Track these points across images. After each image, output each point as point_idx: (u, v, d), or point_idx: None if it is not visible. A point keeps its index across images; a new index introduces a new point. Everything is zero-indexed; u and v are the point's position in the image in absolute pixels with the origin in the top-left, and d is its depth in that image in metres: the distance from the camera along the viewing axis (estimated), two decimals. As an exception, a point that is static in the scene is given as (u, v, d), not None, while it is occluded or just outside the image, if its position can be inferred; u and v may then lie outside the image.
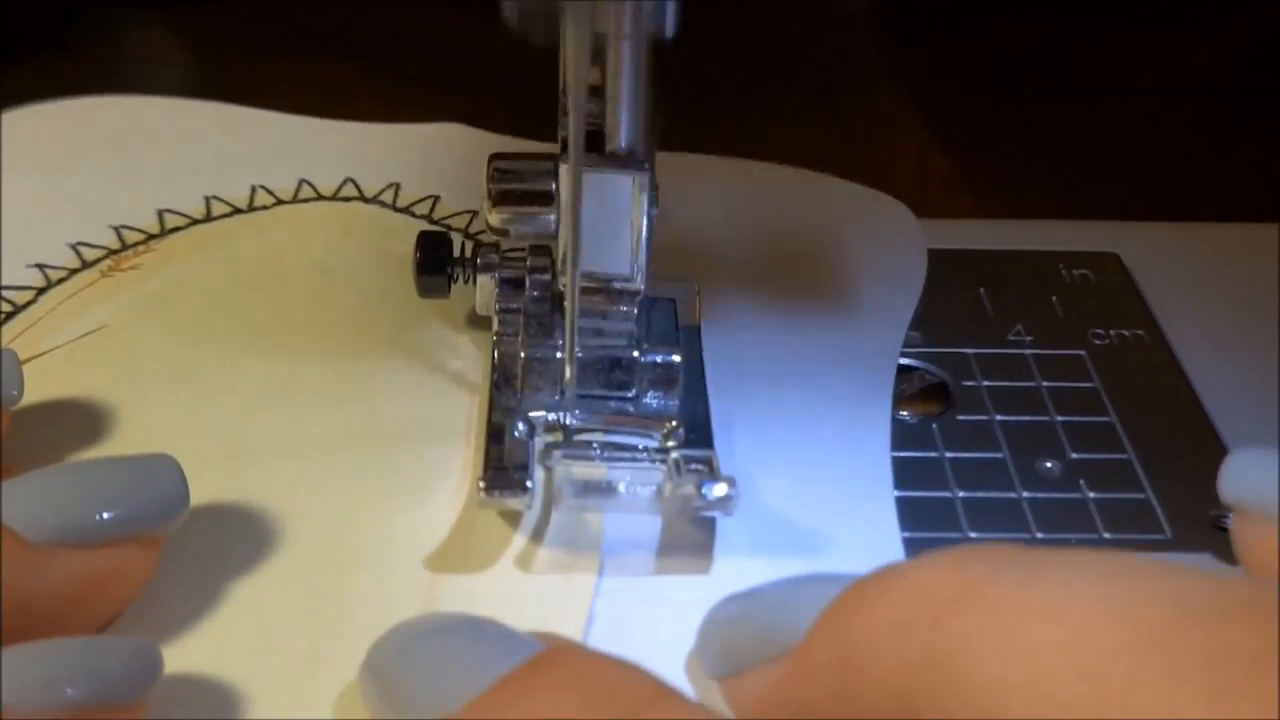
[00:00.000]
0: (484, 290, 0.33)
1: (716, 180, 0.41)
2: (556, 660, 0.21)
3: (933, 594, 0.19)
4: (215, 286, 0.36)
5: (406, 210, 0.40)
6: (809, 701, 0.21)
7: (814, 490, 0.30)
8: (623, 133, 0.29)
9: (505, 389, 0.31)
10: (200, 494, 0.27)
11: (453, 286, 0.33)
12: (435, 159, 0.41)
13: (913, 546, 0.30)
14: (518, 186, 0.30)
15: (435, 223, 0.39)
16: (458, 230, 0.39)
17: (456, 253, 0.33)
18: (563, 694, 0.20)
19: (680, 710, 0.20)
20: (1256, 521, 0.22)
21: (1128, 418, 0.34)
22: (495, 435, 0.30)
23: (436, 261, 0.33)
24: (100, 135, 0.42)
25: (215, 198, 0.40)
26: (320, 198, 0.40)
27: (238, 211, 0.39)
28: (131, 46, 0.54)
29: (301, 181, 0.40)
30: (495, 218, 0.30)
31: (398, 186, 0.40)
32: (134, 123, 0.43)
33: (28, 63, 0.47)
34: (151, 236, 0.38)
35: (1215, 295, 0.38)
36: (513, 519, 0.29)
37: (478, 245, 0.33)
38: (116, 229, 0.38)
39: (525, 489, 0.28)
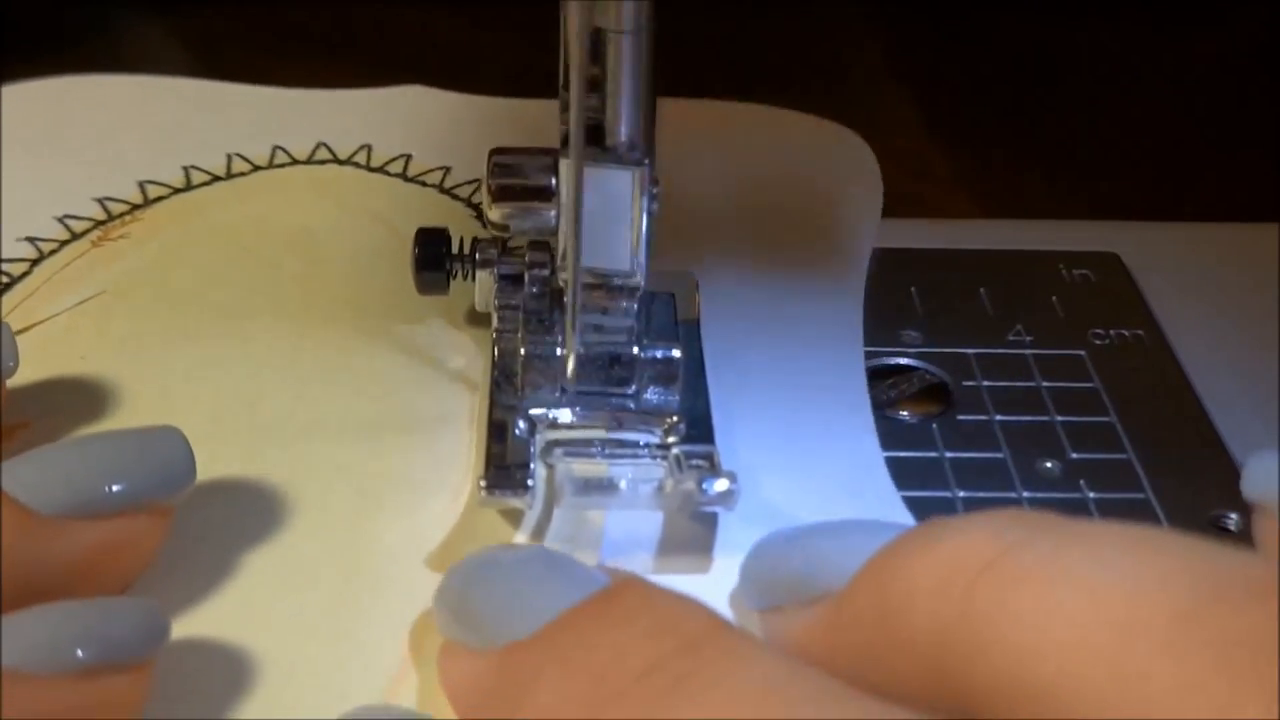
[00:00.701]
0: (483, 286, 0.32)
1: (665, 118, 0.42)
2: (623, 592, 0.22)
3: (970, 559, 0.20)
4: (207, 251, 0.37)
5: (381, 170, 0.41)
6: (845, 648, 0.22)
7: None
8: (623, 127, 0.29)
9: (505, 386, 0.31)
10: (206, 460, 0.27)
11: (452, 283, 0.33)
12: (401, 121, 0.42)
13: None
14: (518, 182, 0.30)
15: (410, 179, 0.40)
16: (432, 186, 0.40)
17: (455, 249, 0.33)
18: (628, 624, 0.21)
19: (738, 640, 0.20)
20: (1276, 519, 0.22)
21: (1128, 418, 0.34)
22: (496, 432, 0.30)
23: (435, 258, 0.33)
24: (75, 113, 0.43)
25: (194, 168, 0.40)
26: (295, 162, 0.41)
27: (217, 179, 0.40)
28: (130, 46, 0.54)
29: (275, 148, 0.41)
30: (495, 213, 0.30)
31: (369, 148, 0.41)
32: (106, 101, 0.44)
33: (26, 62, 0.47)
34: (136, 207, 0.39)
35: (1215, 295, 0.38)
36: (514, 517, 0.29)
37: (476, 241, 0.33)
38: (100, 201, 0.39)
39: (526, 488, 0.28)
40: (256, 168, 0.41)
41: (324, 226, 0.38)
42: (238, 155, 0.41)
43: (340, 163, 0.41)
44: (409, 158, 0.41)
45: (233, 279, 0.36)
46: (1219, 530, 0.31)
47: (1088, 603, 0.18)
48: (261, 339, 0.34)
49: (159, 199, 0.39)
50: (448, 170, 0.40)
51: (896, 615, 0.21)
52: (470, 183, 0.40)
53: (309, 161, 0.41)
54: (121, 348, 0.34)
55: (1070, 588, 0.19)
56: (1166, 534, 0.20)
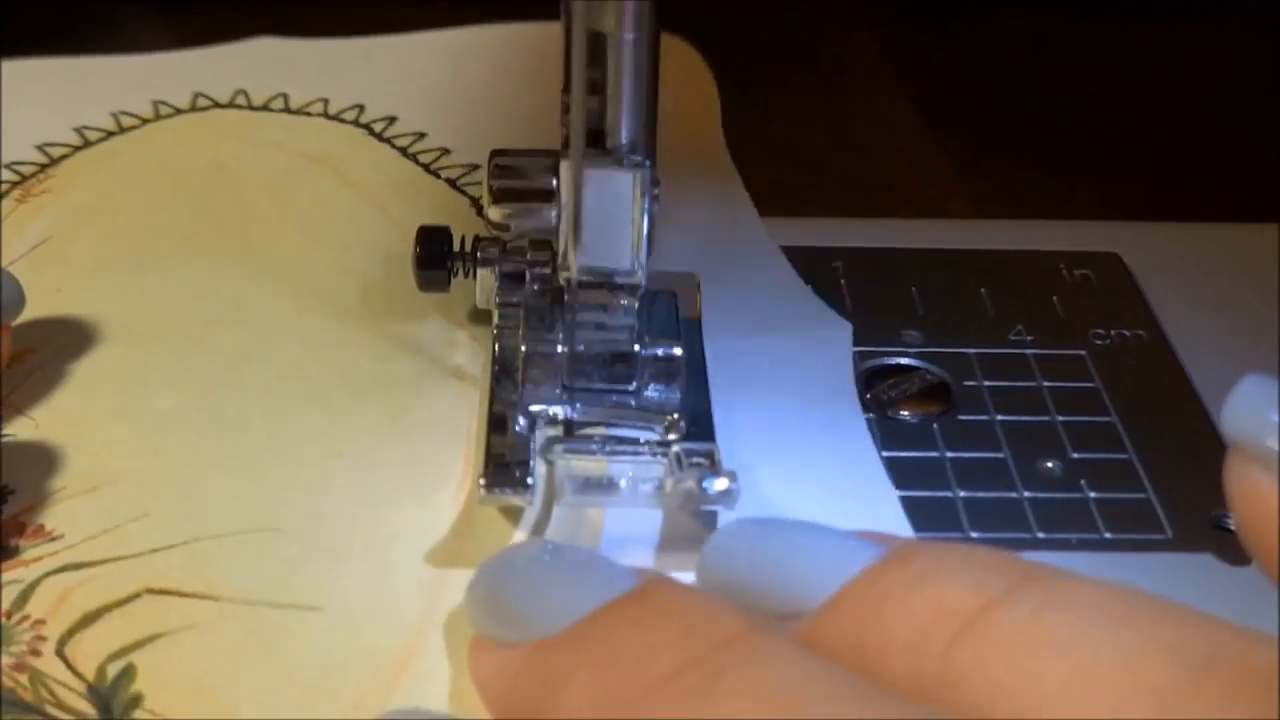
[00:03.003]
0: (484, 284, 0.33)
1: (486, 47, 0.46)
2: (653, 592, 0.22)
3: (950, 613, 0.20)
4: (131, 191, 0.40)
5: (264, 108, 0.43)
6: None
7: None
8: (623, 129, 0.29)
9: (506, 383, 0.31)
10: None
11: (453, 280, 0.33)
12: (263, 68, 0.45)
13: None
14: (519, 183, 0.30)
15: (293, 112, 0.43)
16: (317, 115, 0.43)
17: (456, 246, 0.33)
18: (658, 624, 0.21)
19: (770, 641, 0.20)
20: (1254, 466, 0.21)
21: (1128, 418, 0.34)
22: (496, 428, 0.30)
23: (437, 256, 0.33)
24: None
25: (85, 128, 0.42)
26: (180, 112, 0.43)
27: (111, 134, 0.42)
28: (130, 42, 0.54)
29: (157, 103, 0.43)
30: (496, 213, 0.30)
31: (245, 92, 0.44)
32: None
33: (27, 57, 0.47)
34: (43, 166, 0.41)
35: (1216, 295, 0.38)
36: (514, 514, 0.29)
37: (478, 239, 0.33)
38: (8, 167, 0.41)
39: (526, 485, 0.28)
40: (145, 120, 0.43)
41: (231, 159, 0.41)
42: (123, 113, 0.43)
43: (223, 107, 0.43)
44: (286, 96, 0.44)
45: (170, 211, 0.39)
46: (1220, 530, 0.31)
47: (1072, 675, 0.18)
48: (223, 261, 0.37)
49: (64, 157, 0.41)
50: (326, 101, 0.43)
51: (874, 659, 0.20)
52: (352, 108, 0.43)
53: (192, 110, 0.43)
54: (94, 277, 0.36)
55: (1053, 658, 0.19)
56: (1152, 601, 0.19)
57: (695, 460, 0.28)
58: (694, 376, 0.32)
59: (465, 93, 0.44)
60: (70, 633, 0.26)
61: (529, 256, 0.32)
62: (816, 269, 0.38)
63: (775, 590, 0.23)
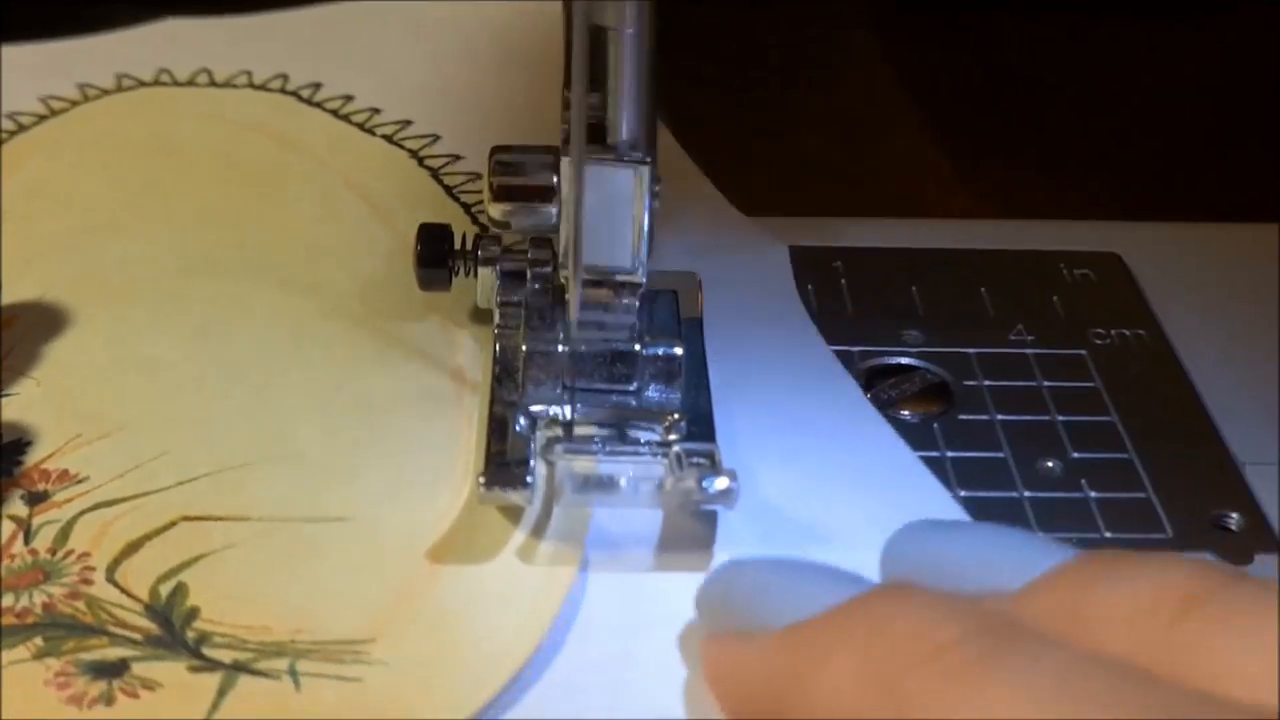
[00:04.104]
0: (485, 283, 0.33)
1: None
2: (908, 586, 0.22)
3: (1174, 589, 0.20)
4: (83, 168, 0.40)
5: (189, 83, 0.44)
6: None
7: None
8: (624, 125, 0.29)
9: (506, 382, 0.31)
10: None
11: (454, 279, 0.33)
12: (176, 49, 0.46)
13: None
14: (519, 180, 0.30)
15: (219, 86, 0.44)
16: (244, 87, 0.44)
17: (458, 245, 0.33)
18: (925, 607, 0.21)
19: (1034, 630, 0.20)
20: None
21: (1129, 417, 0.34)
22: (496, 429, 0.29)
23: (438, 254, 0.33)
24: None
25: (15, 113, 0.43)
26: (106, 93, 0.44)
27: (44, 118, 0.43)
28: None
29: (81, 85, 0.44)
30: (497, 210, 0.30)
31: (170, 71, 0.45)
32: None
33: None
34: None
35: (1216, 295, 0.38)
36: (514, 513, 0.29)
37: (479, 238, 0.33)
38: None
39: (526, 484, 0.28)
40: (74, 103, 0.43)
41: (171, 131, 0.42)
42: (51, 98, 0.43)
43: (148, 85, 0.44)
44: (209, 70, 0.45)
45: (122, 181, 0.40)
46: (1219, 530, 0.31)
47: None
48: (184, 221, 0.38)
49: (1, 142, 0.42)
50: (250, 73, 0.44)
51: (1090, 628, 0.20)
52: (276, 78, 0.44)
53: (118, 90, 0.44)
54: (61, 246, 0.37)
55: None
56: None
57: (695, 460, 0.28)
58: (695, 376, 0.32)
59: (381, 56, 0.46)
60: (117, 561, 0.28)
61: (530, 255, 0.32)
62: (816, 269, 0.38)
63: (964, 588, 0.22)
